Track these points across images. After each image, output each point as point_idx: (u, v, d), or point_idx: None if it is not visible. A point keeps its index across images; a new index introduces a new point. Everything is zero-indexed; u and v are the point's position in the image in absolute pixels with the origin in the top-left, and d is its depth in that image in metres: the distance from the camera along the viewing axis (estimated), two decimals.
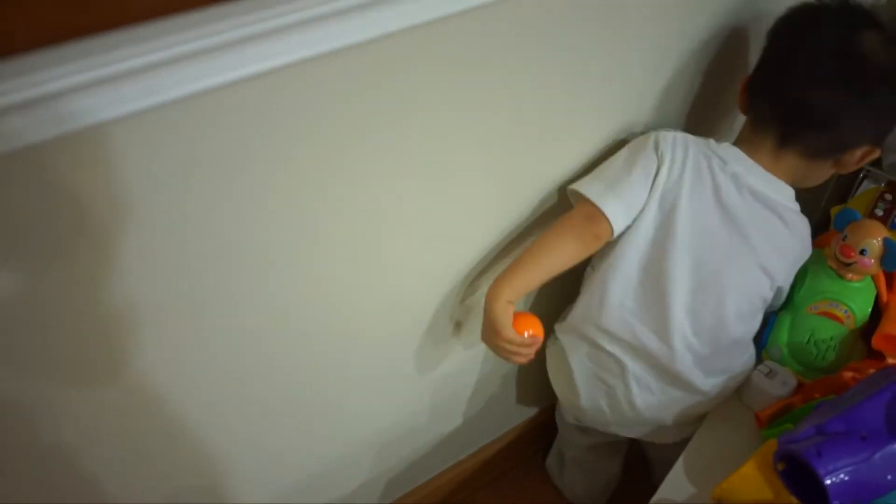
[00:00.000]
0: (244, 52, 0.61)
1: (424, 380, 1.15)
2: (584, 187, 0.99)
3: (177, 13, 0.58)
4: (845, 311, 1.12)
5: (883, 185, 1.28)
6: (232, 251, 0.75)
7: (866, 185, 1.33)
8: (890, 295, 1.14)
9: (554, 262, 0.99)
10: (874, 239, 1.09)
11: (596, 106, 1.01)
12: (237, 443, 0.95)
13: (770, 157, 1.03)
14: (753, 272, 1.04)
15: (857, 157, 1.02)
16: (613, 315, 1.05)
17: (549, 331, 1.13)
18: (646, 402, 1.09)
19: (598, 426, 1.19)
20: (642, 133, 1.07)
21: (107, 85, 0.55)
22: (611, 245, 1.03)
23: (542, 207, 1.07)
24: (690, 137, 1.04)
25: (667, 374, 1.07)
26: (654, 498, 1.00)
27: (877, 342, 1.09)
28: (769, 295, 1.07)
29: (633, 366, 1.07)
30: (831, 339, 1.12)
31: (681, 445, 1.09)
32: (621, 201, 0.98)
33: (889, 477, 0.84)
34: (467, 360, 1.19)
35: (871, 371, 1.02)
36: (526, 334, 0.97)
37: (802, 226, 1.07)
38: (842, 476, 0.83)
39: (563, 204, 1.07)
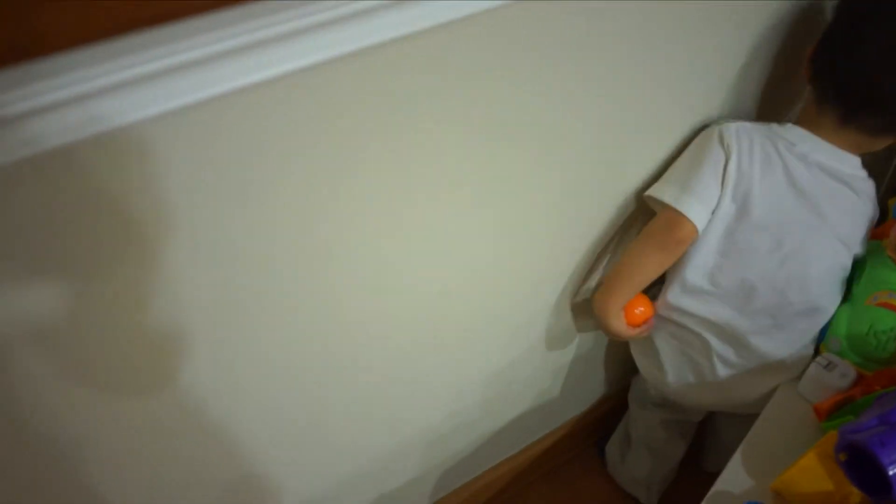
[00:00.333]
0: (284, 48, 0.61)
1: (474, 375, 1.15)
2: (661, 192, 1.04)
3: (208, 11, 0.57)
4: None
5: None
6: (285, 247, 0.75)
7: None
8: None
9: (645, 276, 1.09)
10: None
11: (673, 100, 1.02)
12: (285, 440, 0.97)
13: (833, 132, 1.05)
14: (832, 244, 1.07)
15: None
16: (695, 299, 1.10)
17: None
18: (729, 374, 1.14)
19: (684, 400, 1.25)
20: (712, 125, 1.08)
21: (139, 85, 0.55)
22: None
23: (626, 209, 1.11)
24: (753, 124, 1.06)
25: (749, 349, 1.11)
26: (713, 490, 0.99)
27: None
28: (848, 263, 1.10)
29: (715, 342, 1.12)
30: (891, 329, 1.10)
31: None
32: (698, 200, 1.02)
33: None
34: (517, 357, 1.19)
35: None
36: (639, 311, 1.13)
37: (870, 189, 1.10)
38: None
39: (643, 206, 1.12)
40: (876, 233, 1.19)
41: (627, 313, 1.12)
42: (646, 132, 1.02)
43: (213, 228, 0.68)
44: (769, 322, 1.09)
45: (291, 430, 0.96)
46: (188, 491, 0.90)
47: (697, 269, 1.08)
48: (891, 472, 0.81)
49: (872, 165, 1.11)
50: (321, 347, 0.89)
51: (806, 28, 1.09)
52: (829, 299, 1.10)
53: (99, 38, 0.53)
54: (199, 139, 0.61)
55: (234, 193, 0.67)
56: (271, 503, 1.02)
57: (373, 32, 0.64)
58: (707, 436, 1.44)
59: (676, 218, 1.03)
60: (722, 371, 1.14)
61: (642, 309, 1.13)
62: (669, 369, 1.19)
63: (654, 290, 1.16)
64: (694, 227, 1.03)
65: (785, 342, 1.11)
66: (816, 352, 1.14)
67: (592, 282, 1.19)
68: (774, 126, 1.06)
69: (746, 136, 1.04)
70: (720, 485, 1.00)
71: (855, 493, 0.91)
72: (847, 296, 1.15)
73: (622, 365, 1.43)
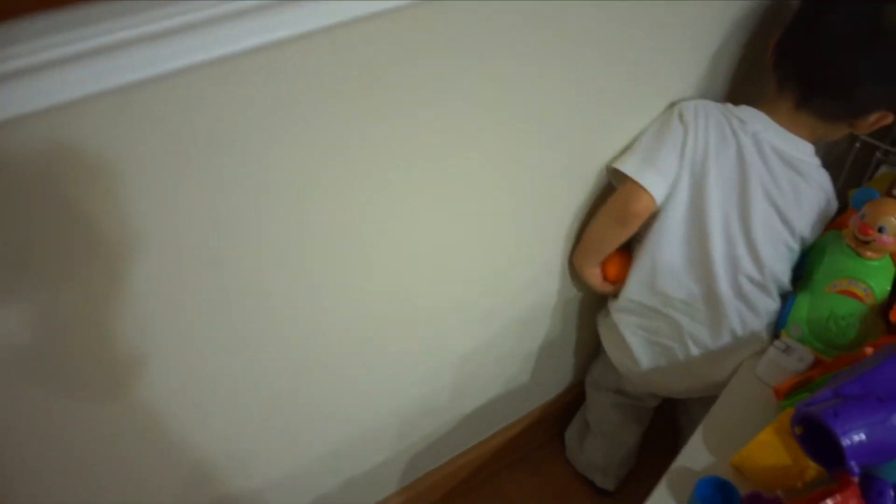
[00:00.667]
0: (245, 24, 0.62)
1: (443, 357, 1.17)
2: (622, 164, 1.09)
3: None
4: (864, 289, 1.13)
5: None
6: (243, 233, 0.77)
7: (882, 170, 1.34)
8: None
9: (607, 246, 1.17)
10: (892, 216, 1.10)
11: (648, 85, 1.07)
12: (255, 421, 0.98)
13: (789, 116, 1.11)
14: (774, 222, 1.13)
15: (871, 121, 1.09)
16: (666, 276, 1.16)
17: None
18: (702, 355, 1.19)
19: (658, 389, 1.31)
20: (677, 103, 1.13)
21: (89, 59, 0.55)
22: (653, 215, 1.12)
23: (597, 189, 1.17)
24: (710, 103, 1.11)
25: (716, 323, 1.17)
26: (673, 466, 1.01)
27: (895, 316, 1.10)
28: (793, 242, 1.15)
29: (687, 324, 1.18)
30: (851, 315, 1.13)
31: None
32: (657, 173, 1.08)
33: None
34: (486, 339, 1.21)
35: None
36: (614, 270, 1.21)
37: (822, 178, 1.15)
38: (859, 436, 0.83)
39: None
40: (835, 223, 1.23)
41: (605, 271, 1.21)
42: (621, 114, 1.07)
43: (177, 218, 0.70)
44: (735, 296, 1.14)
45: (260, 411, 0.97)
46: (157, 471, 0.91)
47: (666, 246, 1.14)
48: (844, 442, 0.83)
49: (834, 159, 1.15)
50: (292, 332, 0.91)
51: (773, 18, 1.14)
52: (781, 274, 1.16)
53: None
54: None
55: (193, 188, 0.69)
56: (240, 482, 1.03)
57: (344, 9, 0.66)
58: (684, 429, 1.45)
59: (636, 190, 1.08)
60: (694, 350, 1.19)
61: (618, 271, 1.21)
62: (643, 359, 1.24)
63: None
64: (652, 199, 1.09)
65: (750, 316, 1.16)
66: (777, 337, 1.17)
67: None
68: (730, 105, 1.12)
69: (703, 114, 1.10)
70: (681, 461, 1.02)
71: (812, 467, 0.93)
72: (807, 284, 1.18)
73: (590, 353, 1.46)
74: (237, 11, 0.60)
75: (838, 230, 1.20)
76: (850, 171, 1.29)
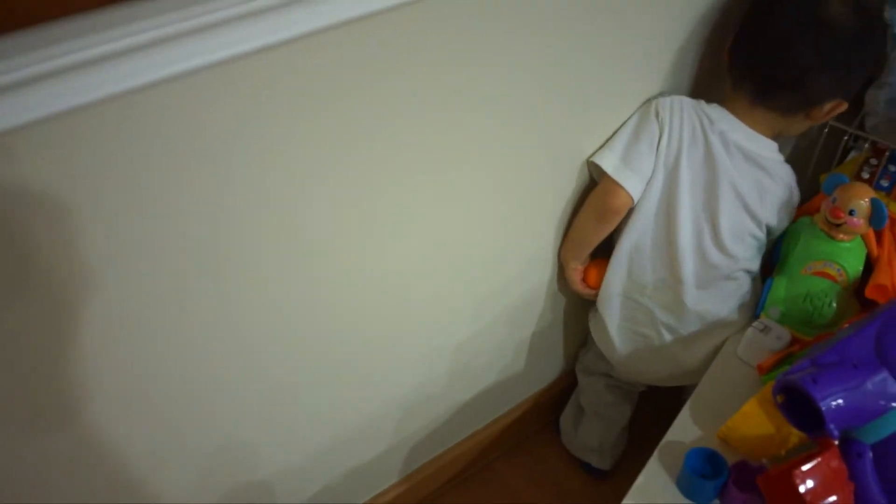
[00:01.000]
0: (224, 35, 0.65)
1: (439, 345, 1.21)
2: (602, 159, 1.15)
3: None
4: (838, 270, 1.19)
5: (867, 149, 1.35)
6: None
7: (852, 155, 1.40)
8: (879, 250, 1.20)
9: (588, 240, 1.24)
10: (862, 199, 1.16)
11: (621, 78, 1.12)
12: (261, 411, 1.02)
13: (747, 113, 1.17)
14: (740, 215, 1.19)
15: (826, 110, 1.16)
16: (639, 264, 1.23)
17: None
18: (675, 341, 1.27)
19: (640, 377, 1.39)
20: (654, 98, 1.18)
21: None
22: (630, 209, 1.18)
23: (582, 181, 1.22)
24: (686, 100, 1.17)
25: (683, 310, 1.24)
26: (664, 440, 1.06)
27: (869, 292, 1.16)
28: (759, 233, 1.22)
29: (659, 312, 1.25)
30: (826, 295, 1.19)
31: None
32: (635, 172, 1.15)
33: (881, 402, 0.90)
34: (480, 328, 1.25)
35: None
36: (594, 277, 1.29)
37: (785, 173, 1.22)
38: (836, 401, 0.88)
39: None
40: (807, 207, 1.29)
41: (587, 274, 1.29)
42: (597, 109, 1.12)
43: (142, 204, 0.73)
44: (697, 284, 1.22)
45: (266, 402, 1.01)
46: (173, 458, 0.96)
47: (640, 236, 1.21)
48: (823, 407, 0.88)
49: (804, 148, 1.21)
50: (290, 326, 0.96)
51: (731, 20, 1.20)
52: (747, 262, 1.23)
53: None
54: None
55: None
56: (248, 472, 1.07)
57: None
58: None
59: (614, 188, 1.15)
60: (667, 336, 1.27)
61: (596, 279, 1.28)
62: (624, 349, 1.31)
63: None
64: (629, 196, 1.15)
65: (715, 302, 1.24)
66: (756, 319, 1.22)
67: None
68: (703, 103, 1.18)
69: (678, 111, 1.15)
70: (671, 435, 1.07)
71: (794, 434, 0.99)
72: (783, 267, 1.24)
73: (580, 341, 1.51)
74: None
75: (810, 215, 1.26)
76: (819, 157, 1.35)
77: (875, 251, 1.20)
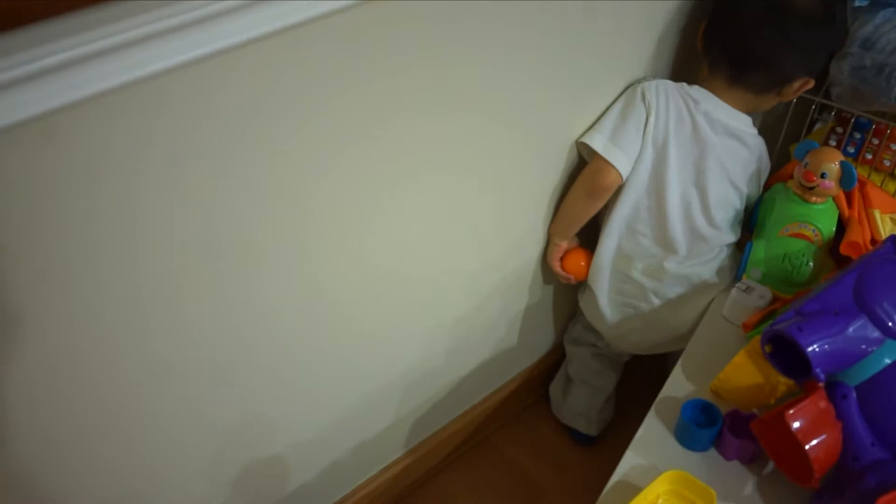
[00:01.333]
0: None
1: (438, 319, 1.26)
2: (591, 140, 1.22)
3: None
4: (813, 230, 1.26)
5: (832, 119, 1.42)
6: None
7: (818, 126, 1.47)
8: (850, 211, 1.28)
9: (578, 217, 1.30)
10: (832, 163, 1.23)
11: (604, 64, 1.19)
12: (279, 388, 1.06)
13: (723, 93, 1.26)
14: (726, 187, 1.27)
15: (796, 88, 1.26)
16: (630, 239, 1.31)
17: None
18: (662, 304, 1.34)
19: (632, 348, 1.45)
20: (635, 82, 1.25)
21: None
22: (620, 187, 1.25)
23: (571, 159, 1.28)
24: (670, 84, 1.24)
25: (671, 275, 1.31)
26: (659, 397, 1.12)
27: (844, 249, 1.23)
28: (739, 203, 1.33)
29: (647, 281, 1.32)
30: (803, 255, 1.26)
31: None
32: (623, 151, 1.21)
33: (862, 346, 0.96)
34: (476, 303, 1.30)
35: None
36: (570, 263, 1.36)
37: (760, 144, 1.31)
38: (822, 346, 0.94)
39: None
40: (780, 175, 1.36)
41: (565, 260, 1.36)
42: (583, 93, 1.19)
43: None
44: (682, 250, 1.29)
45: (283, 379, 1.06)
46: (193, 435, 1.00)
47: (630, 213, 1.28)
48: (808, 351, 0.94)
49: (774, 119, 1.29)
50: (304, 305, 1.00)
51: (703, 8, 1.29)
52: (729, 228, 1.32)
53: None
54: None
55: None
56: (267, 444, 1.11)
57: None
58: None
59: (604, 166, 1.21)
60: (656, 303, 1.33)
61: (574, 264, 1.36)
62: (614, 319, 1.37)
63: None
64: (619, 174, 1.22)
65: (698, 266, 1.32)
66: (739, 280, 1.28)
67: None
68: (685, 85, 1.25)
69: (664, 94, 1.22)
70: (665, 392, 1.13)
71: (782, 383, 1.05)
72: (761, 231, 1.31)
73: (568, 315, 1.57)
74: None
75: (783, 182, 1.33)
76: (788, 128, 1.41)
77: (846, 212, 1.27)
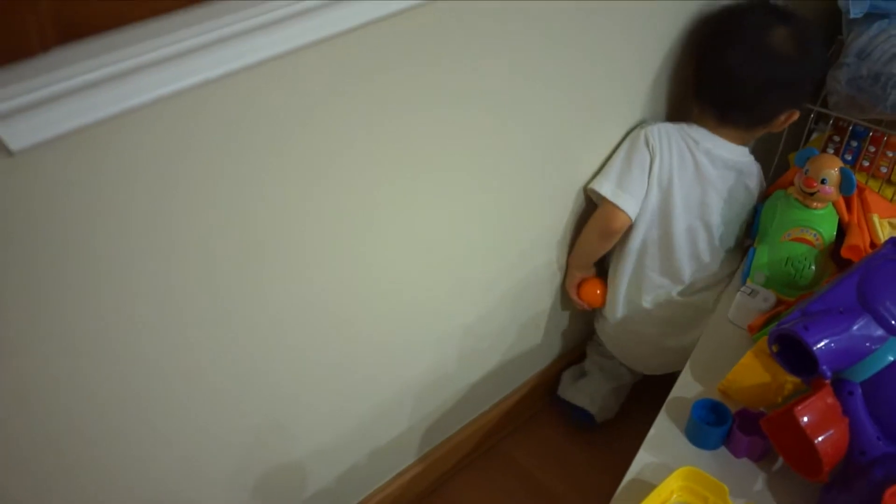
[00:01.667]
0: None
1: (449, 325, 1.28)
2: (600, 186, 1.30)
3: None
4: (814, 235, 1.29)
5: (829, 129, 1.46)
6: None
7: (815, 135, 1.51)
8: (850, 215, 1.31)
9: (592, 254, 1.40)
10: (832, 169, 1.26)
11: (605, 110, 1.26)
12: (302, 394, 1.09)
13: (716, 131, 1.33)
14: (729, 217, 1.39)
15: (782, 120, 1.35)
16: (639, 271, 1.39)
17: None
18: (677, 334, 1.42)
19: (648, 370, 1.55)
20: (637, 126, 1.32)
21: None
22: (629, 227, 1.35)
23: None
24: (670, 127, 1.31)
25: (684, 305, 1.40)
26: (669, 397, 1.14)
27: (844, 252, 1.25)
28: (740, 230, 1.43)
29: (660, 311, 1.41)
30: (805, 259, 1.28)
31: None
32: (631, 195, 1.29)
33: (867, 344, 0.98)
34: (485, 310, 1.33)
35: None
36: (586, 292, 1.45)
37: (756, 169, 1.42)
38: (827, 344, 0.96)
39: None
40: (780, 182, 1.40)
41: (581, 289, 1.45)
42: (591, 133, 1.26)
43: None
44: (689, 280, 1.39)
45: (300, 385, 1.08)
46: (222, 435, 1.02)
47: (639, 249, 1.36)
48: (815, 349, 0.96)
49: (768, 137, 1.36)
50: (327, 317, 1.03)
51: (691, 54, 1.35)
52: (731, 257, 1.42)
53: None
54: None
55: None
56: (287, 451, 1.13)
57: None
58: None
59: (614, 210, 1.30)
60: (667, 329, 1.44)
61: (590, 293, 1.45)
62: (629, 344, 1.51)
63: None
64: (628, 217, 1.31)
65: (705, 293, 1.41)
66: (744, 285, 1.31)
67: None
68: (685, 126, 1.32)
69: (666, 137, 1.30)
70: (675, 392, 1.14)
71: (789, 381, 1.07)
72: (764, 237, 1.34)
73: (576, 322, 1.59)
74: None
75: (784, 189, 1.36)
76: (786, 138, 1.46)
77: (846, 217, 1.30)
